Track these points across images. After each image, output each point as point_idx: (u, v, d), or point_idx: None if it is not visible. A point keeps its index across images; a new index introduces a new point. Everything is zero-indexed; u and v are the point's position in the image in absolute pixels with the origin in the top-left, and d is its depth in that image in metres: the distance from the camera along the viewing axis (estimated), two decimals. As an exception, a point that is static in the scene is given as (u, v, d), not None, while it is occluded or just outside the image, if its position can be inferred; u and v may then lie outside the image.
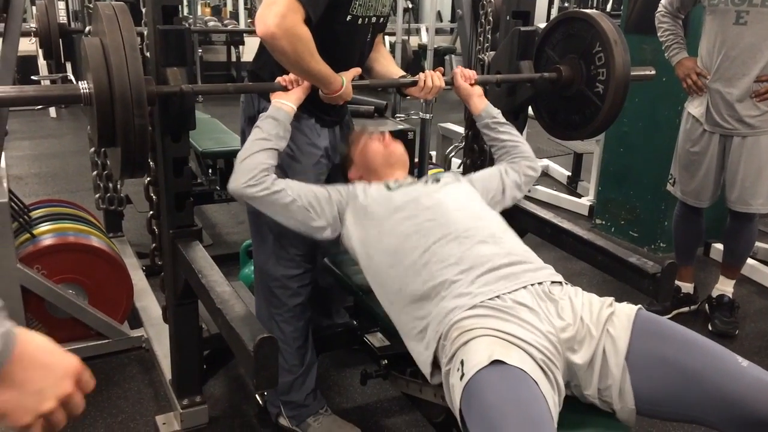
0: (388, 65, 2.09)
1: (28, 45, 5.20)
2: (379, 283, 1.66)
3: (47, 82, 4.95)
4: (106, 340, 2.54)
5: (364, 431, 2.14)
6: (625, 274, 1.90)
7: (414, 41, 8.75)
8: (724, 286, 2.98)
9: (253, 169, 1.70)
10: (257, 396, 2.28)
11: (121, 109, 1.48)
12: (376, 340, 2.23)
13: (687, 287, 3.07)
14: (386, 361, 1.98)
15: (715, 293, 2.98)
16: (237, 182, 1.71)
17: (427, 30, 7.62)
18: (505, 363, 1.25)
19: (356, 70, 1.85)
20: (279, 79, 1.79)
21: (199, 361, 2.23)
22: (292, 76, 1.77)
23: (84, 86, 1.54)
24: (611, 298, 1.49)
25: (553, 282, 1.52)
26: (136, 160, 1.57)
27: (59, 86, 1.69)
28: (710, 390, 1.31)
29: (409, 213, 1.65)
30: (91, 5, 2.64)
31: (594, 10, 2.21)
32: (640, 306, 1.46)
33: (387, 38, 7.31)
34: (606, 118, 2.06)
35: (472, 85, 2.03)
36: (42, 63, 6.40)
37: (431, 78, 1.94)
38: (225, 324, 1.53)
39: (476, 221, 1.63)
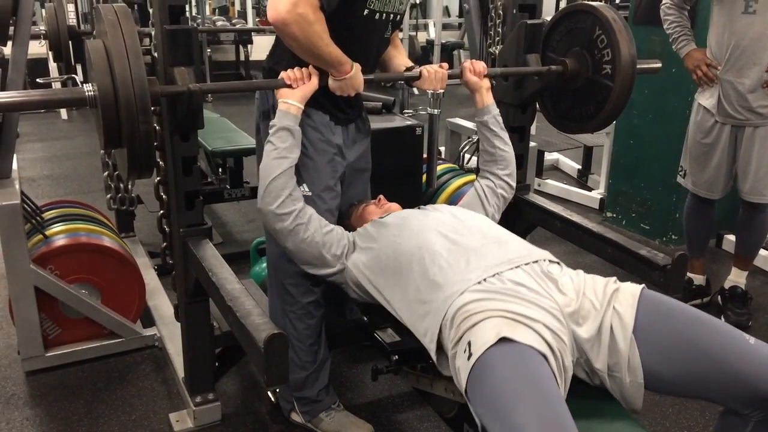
0: (400, 60, 2.10)
1: (38, 48, 5.23)
2: (387, 298, 1.67)
3: (58, 85, 4.98)
4: (120, 339, 2.56)
5: (376, 426, 2.15)
6: (636, 266, 1.89)
7: (422, 37, 8.74)
8: (737, 278, 2.96)
9: (280, 194, 1.75)
10: (269, 393, 2.29)
11: (125, 114, 1.48)
12: (387, 336, 2.23)
13: (699, 279, 3.05)
14: (397, 357, 1.98)
15: (727, 285, 2.96)
16: (267, 205, 1.76)
17: (434, 25, 7.61)
18: (514, 340, 1.25)
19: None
20: (283, 74, 1.78)
21: (211, 358, 2.25)
22: (297, 73, 1.77)
23: (89, 89, 1.54)
24: (614, 277, 1.50)
25: (550, 261, 1.54)
26: (142, 162, 1.58)
27: (64, 90, 1.68)
28: (717, 366, 1.32)
29: (404, 226, 1.71)
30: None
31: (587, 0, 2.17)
32: (643, 285, 1.47)
33: (395, 34, 7.31)
34: (617, 101, 2.03)
35: (481, 78, 2.04)
36: (53, 66, 6.45)
37: (433, 68, 1.96)
38: (235, 321, 1.54)
39: (462, 222, 1.70)
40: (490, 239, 1.60)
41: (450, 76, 2.00)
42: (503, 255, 1.52)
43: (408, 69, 2.03)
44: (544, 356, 1.25)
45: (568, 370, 1.33)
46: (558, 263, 1.55)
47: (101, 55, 1.50)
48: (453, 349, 1.37)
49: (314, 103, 1.84)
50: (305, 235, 1.77)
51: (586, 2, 2.11)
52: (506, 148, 2.03)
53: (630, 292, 1.44)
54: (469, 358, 1.28)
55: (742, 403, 1.33)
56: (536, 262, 1.50)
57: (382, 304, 1.71)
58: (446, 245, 1.56)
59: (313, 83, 1.79)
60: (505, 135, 2.05)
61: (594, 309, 1.41)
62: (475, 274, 1.45)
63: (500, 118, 2.05)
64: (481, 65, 2.03)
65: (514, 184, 2.04)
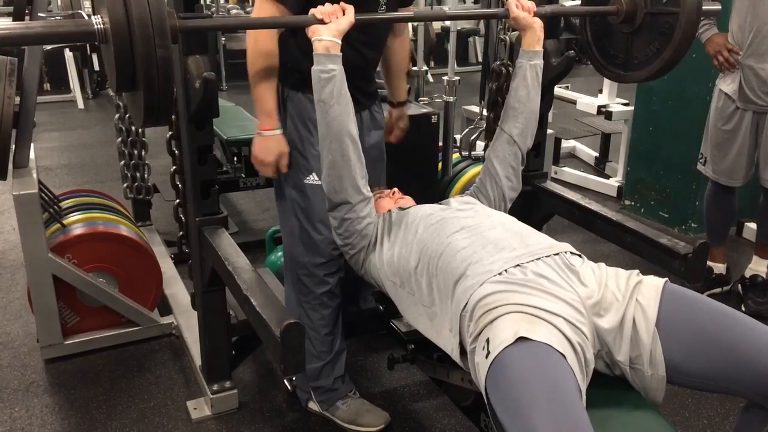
0: (400, 71, 2.18)
1: (54, 37, 5.25)
2: (406, 294, 1.63)
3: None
4: (137, 328, 2.58)
5: (392, 415, 2.15)
6: (656, 255, 1.87)
7: (437, 24, 8.67)
8: (758, 266, 2.92)
9: (340, 135, 1.63)
10: (285, 381, 2.30)
11: (141, 42, 1.27)
12: (403, 325, 2.23)
13: (719, 268, 3.01)
14: (413, 346, 1.98)
15: (748, 273, 2.93)
16: (348, 182, 1.66)
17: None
18: (531, 339, 1.23)
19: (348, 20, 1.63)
20: (314, 11, 1.60)
21: (227, 347, 2.25)
22: (329, 7, 1.60)
23: (98, 21, 1.32)
24: (637, 270, 1.47)
25: (572, 254, 1.51)
26: (160, 102, 1.35)
27: (70, 22, 1.46)
28: (741, 360, 1.30)
29: (425, 223, 1.66)
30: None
31: None
32: (666, 279, 1.45)
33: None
34: (686, 28, 1.80)
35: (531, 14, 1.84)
36: (68, 54, 6.48)
37: None
38: (252, 310, 1.54)
39: (483, 218, 1.65)
40: (511, 232, 1.57)
41: (496, 15, 1.86)
42: (525, 247, 1.49)
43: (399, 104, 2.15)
44: (563, 355, 1.24)
45: (590, 364, 1.32)
46: (580, 255, 1.53)
47: None
48: (472, 345, 1.36)
49: None
50: (367, 217, 1.72)
51: None
52: (528, 104, 1.84)
53: (653, 284, 1.42)
54: (487, 356, 1.27)
55: (766, 396, 1.31)
56: (558, 254, 1.48)
57: (400, 307, 1.67)
58: (468, 239, 1.54)
59: (350, 17, 1.60)
60: (535, 92, 1.85)
61: (616, 300, 1.39)
62: (496, 266, 1.43)
63: (540, 71, 1.85)
64: (530, 3, 1.83)
65: (524, 148, 1.86)
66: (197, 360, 2.34)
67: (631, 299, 1.39)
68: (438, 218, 1.66)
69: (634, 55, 1.98)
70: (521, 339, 1.23)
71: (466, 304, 1.40)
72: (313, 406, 2.16)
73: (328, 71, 1.60)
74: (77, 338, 2.50)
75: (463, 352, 1.44)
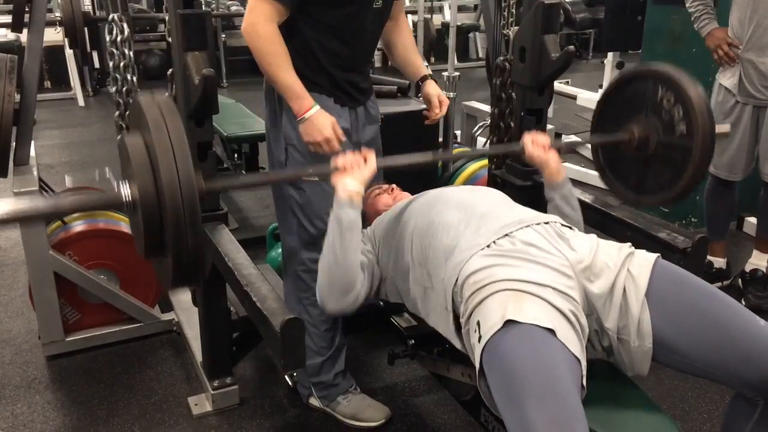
0: (407, 50, 2.07)
1: (53, 35, 5.24)
2: (409, 281, 1.61)
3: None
4: (138, 324, 2.59)
5: (393, 410, 2.15)
6: (655, 249, 1.84)
7: (437, 19, 8.67)
8: (758, 261, 2.92)
9: (347, 287, 1.59)
10: (286, 377, 2.31)
11: (172, 226, 1.22)
12: (403, 320, 2.24)
13: (719, 262, 3.01)
14: (413, 341, 1.98)
15: (748, 268, 2.93)
16: (337, 305, 1.60)
17: (450, 7, 7.54)
18: (518, 322, 1.23)
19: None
20: (336, 161, 1.58)
21: (228, 343, 2.26)
22: (349, 157, 1.57)
23: (126, 193, 1.29)
24: (629, 243, 1.48)
25: (562, 225, 1.51)
26: (189, 267, 1.30)
27: (98, 194, 1.46)
28: (727, 341, 1.31)
29: (415, 210, 1.66)
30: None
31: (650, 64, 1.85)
32: (658, 254, 1.45)
33: (409, 17, 7.26)
34: (700, 160, 1.72)
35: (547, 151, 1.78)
36: (69, 53, 6.48)
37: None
38: (252, 306, 1.54)
39: (468, 193, 1.66)
40: (501, 205, 1.58)
41: (513, 153, 1.90)
42: (514, 216, 1.49)
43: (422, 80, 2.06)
44: (552, 330, 1.23)
45: (585, 328, 1.32)
46: (570, 227, 1.53)
47: (142, 155, 1.24)
48: (465, 326, 1.37)
49: (315, 85, 1.80)
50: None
51: (642, 68, 1.87)
52: (576, 218, 1.76)
53: (645, 257, 1.43)
54: (479, 340, 1.28)
55: (749, 385, 1.31)
56: (548, 223, 1.49)
57: (406, 300, 1.66)
58: (457, 215, 1.54)
59: (372, 166, 1.57)
60: (573, 210, 1.77)
61: (608, 268, 1.40)
62: (484, 238, 1.43)
63: (571, 194, 1.79)
64: (543, 138, 1.77)
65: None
66: (198, 356, 2.35)
67: (622, 268, 1.40)
68: (426, 200, 1.66)
69: (648, 180, 1.91)
70: (509, 322, 1.24)
71: (456, 280, 1.40)
72: (314, 401, 2.17)
73: (350, 219, 1.55)
74: (78, 335, 2.51)
75: (458, 328, 1.44)
